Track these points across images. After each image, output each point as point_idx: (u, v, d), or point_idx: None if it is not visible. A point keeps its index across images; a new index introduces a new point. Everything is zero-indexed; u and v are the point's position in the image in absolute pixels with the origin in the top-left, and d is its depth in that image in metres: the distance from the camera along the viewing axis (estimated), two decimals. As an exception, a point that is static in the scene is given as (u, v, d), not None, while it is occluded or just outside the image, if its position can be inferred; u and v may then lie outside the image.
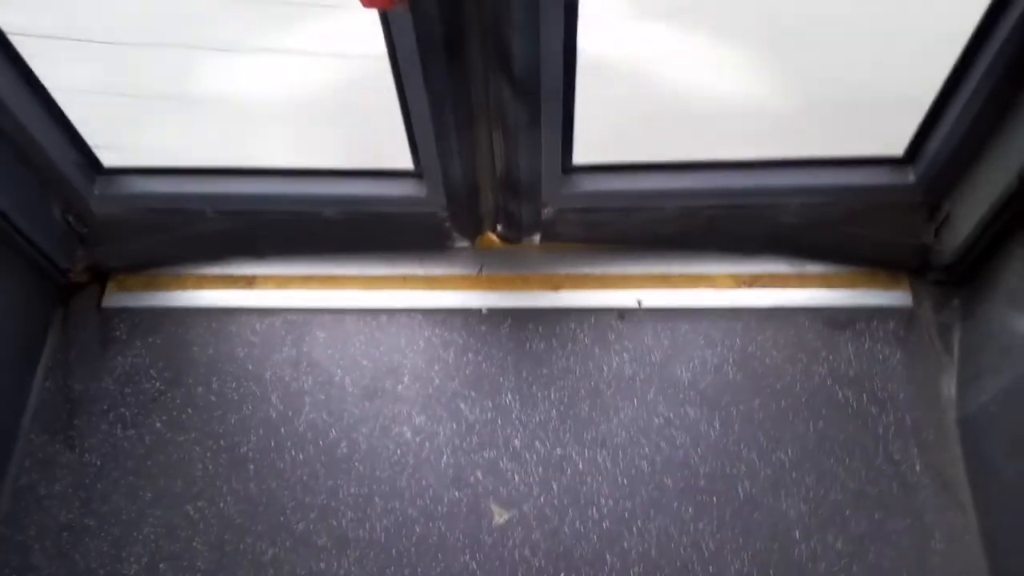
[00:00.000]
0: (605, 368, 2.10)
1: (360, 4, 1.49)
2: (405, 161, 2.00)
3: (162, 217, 2.15)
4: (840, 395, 2.03)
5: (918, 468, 1.94)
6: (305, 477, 1.99)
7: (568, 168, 2.02)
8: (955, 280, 2.07)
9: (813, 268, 2.19)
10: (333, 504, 1.96)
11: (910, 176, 2.00)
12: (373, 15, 1.58)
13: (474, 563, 1.88)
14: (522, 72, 1.70)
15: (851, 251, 2.16)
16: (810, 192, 2.05)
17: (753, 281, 2.18)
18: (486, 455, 2.01)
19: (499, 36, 1.63)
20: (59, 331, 2.20)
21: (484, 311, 2.19)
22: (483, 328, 2.17)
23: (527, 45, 1.63)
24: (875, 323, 2.12)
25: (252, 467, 2.01)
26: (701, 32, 2.61)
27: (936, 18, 2.55)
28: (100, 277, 2.27)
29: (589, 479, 1.97)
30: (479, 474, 1.98)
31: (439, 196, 2.05)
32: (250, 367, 2.13)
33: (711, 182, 2.06)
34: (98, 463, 2.03)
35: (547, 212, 2.10)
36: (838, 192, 2.04)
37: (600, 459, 1.99)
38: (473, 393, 2.09)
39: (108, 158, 2.10)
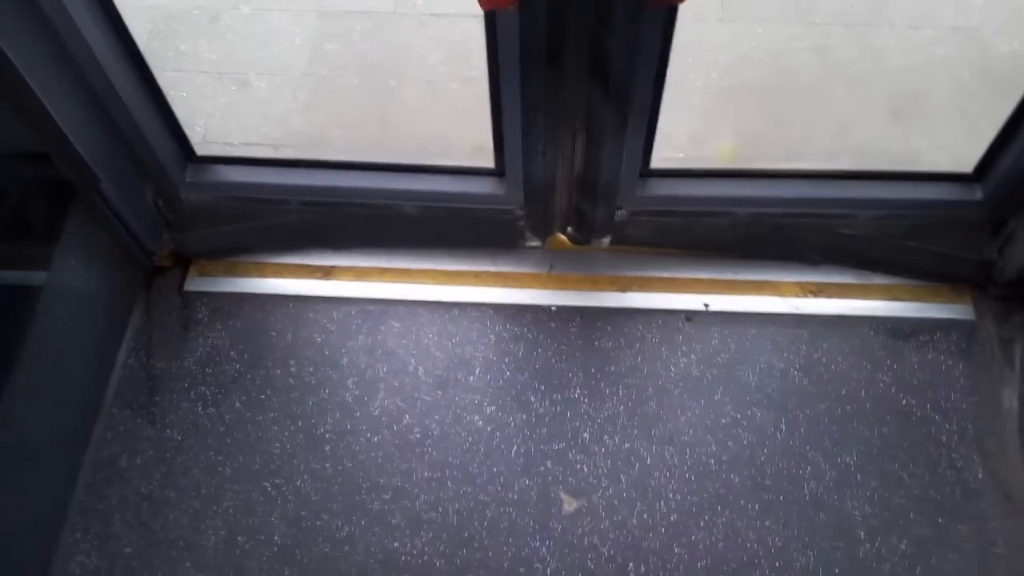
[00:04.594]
0: (672, 368, 2.15)
1: (477, 5, 1.57)
2: (480, 159, 2.09)
3: (247, 206, 2.23)
4: (904, 403, 2.08)
5: (980, 475, 1.98)
6: (380, 460, 2.05)
7: (645, 172, 2.09)
8: (1018, 296, 2.13)
9: (877, 279, 2.25)
10: (407, 486, 2.01)
11: (978, 193, 2.06)
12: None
13: (544, 548, 1.93)
14: (617, 79, 1.77)
15: (915, 264, 2.22)
16: (877, 205, 2.11)
17: (819, 290, 2.24)
18: (555, 446, 2.06)
19: (598, 42, 1.71)
20: (142, 312, 2.28)
21: (553, 308, 2.26)
22: (552, 325, 2.23)
23: (624, 52, 1.71)
24: (938, 335, 2.17)
25: (328, 448, 2.07)
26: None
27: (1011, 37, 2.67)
28: (183, 262, 2.35)
29: (657, 473, 2.02)
30: (549, 464, 2.04)
31: (518, 195, 2.12)
32: (327, 352, 2.20)
33: (780, 191, 2.13)
34: (178, 438, 2.10)
35: (620, 215, 2.17)
36: (905, 206, 2.10)
37: (668, 455, 2.04)
38: (542, 387, 2.15)
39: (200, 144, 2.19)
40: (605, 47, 1.70)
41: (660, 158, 2.13)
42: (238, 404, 2.14)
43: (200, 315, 2.27)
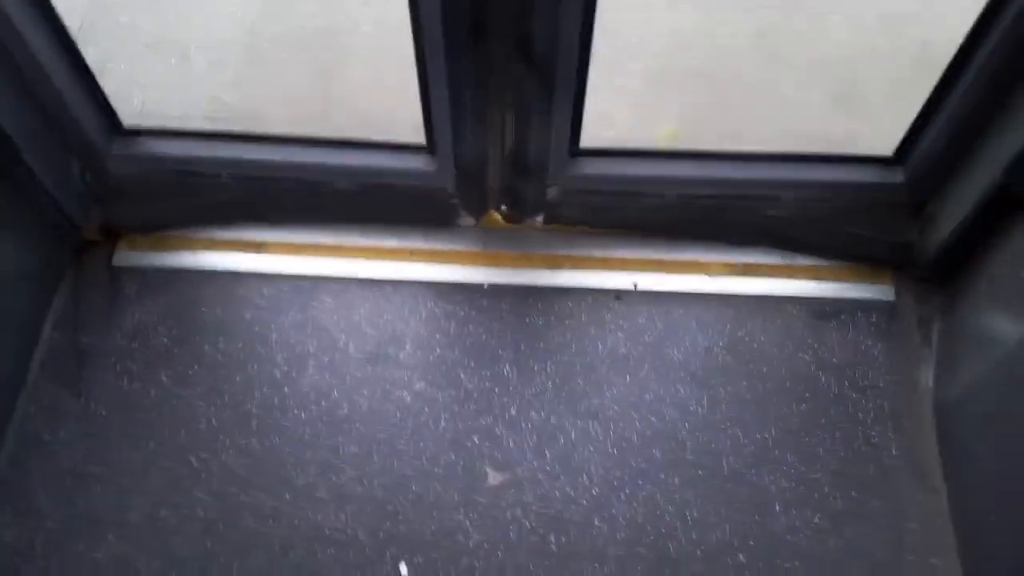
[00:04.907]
0: (600, 345, 2.18)
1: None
2: (414, 138, 2.09)
3: (177, 180, 2.21)
4: (823, 381, 2.13)
5: (895, 452, 2.04)
6: (307, 435, 2.06)
7: (575, 151, 2.11)
8: (936, 277, 2.18)
9: (802, 260, 2.29)
10: (334, 461, 2.02)
11: (899, 175, 2.11)
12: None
13: (468, 521, 1.95)
14: (540, 56, 1.78)
15: (838, 246, 2.26)
16: (802, 187, 2.15)
17: (745, 270, 2.28)
18: (483, 422, 2.08)
19: (521, 19, 1.71)
20: (70, 286, 2.25)
21: (486, 286, 2.27)
22: (484, 302, 2.25)
23: (547, 29, 1.71)
24: (859, 315, 2.22)
25: (255, 423, 2.07)
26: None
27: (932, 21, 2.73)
28: (112, 236, 2.32)
29: (581, 448, 2.05)
30: (476, 439, 2.06)
31: (449, 172, 2.13)
32: (256, 329, 2.19)
33: (708, 172, 2.15)
34: (104, 412, 2.08)
35: (552, 193, 2.19)
36: (829, 188, 2.14)
37: (592, 430, 2.07)
38: (472, 363, 2.16)
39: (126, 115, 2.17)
40: (528, 23, 1.71)
41: (601, 139, 2.16)
42: (165, 379, 2.13)
43: (128, 290, 2.25)
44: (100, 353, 2.16)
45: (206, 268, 2.29)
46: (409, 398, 2.11)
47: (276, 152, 2.17)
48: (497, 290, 2.27)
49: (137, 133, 2.18)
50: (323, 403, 2.10)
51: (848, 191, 2.14)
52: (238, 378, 2.13)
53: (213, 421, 2.07)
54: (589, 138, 2.08)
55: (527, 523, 1.95)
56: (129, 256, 2.30)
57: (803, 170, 2.14)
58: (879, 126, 2.51)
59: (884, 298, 2.24)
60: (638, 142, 2.57)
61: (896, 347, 2.17)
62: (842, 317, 2.21)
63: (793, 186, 2.14)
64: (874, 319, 2.21)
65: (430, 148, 2.10)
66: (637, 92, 2.70)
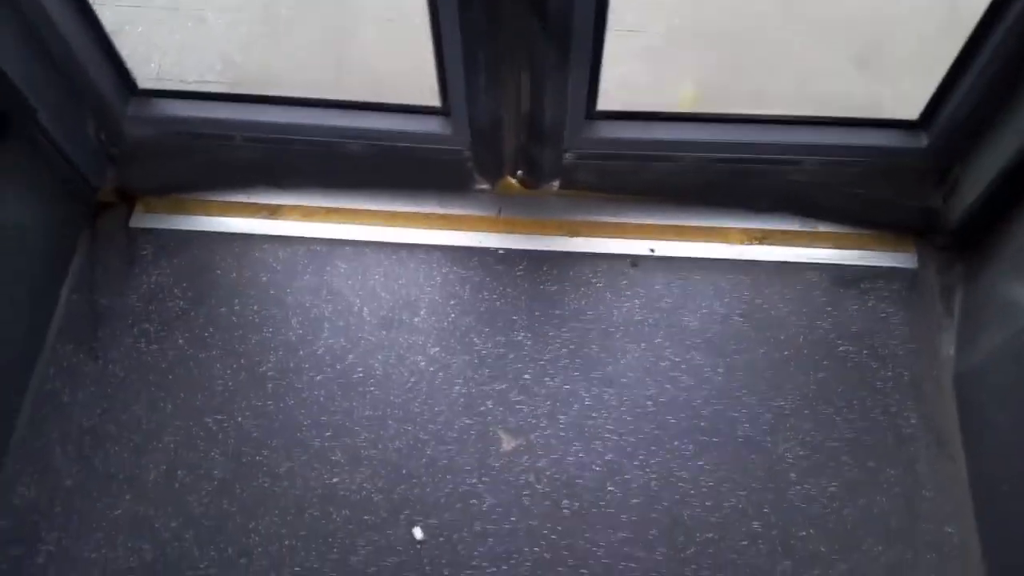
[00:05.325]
0: (615, 312, 2.16)
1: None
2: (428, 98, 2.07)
3: (192, 141, 2.21)
4: (841, 349, 2.10)
5: (913, 421, 2.02)
6: (322, 398, 2.06)
7: (591, 114, 2.07)
8: (959, 245, 2.14)
9: (823, 227, 2.25)
10: (348, 424, 2.03)
11: (923, 140, 2.06)
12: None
13: (481, 485, 1.96)
14: (555, 14, 1.74)
15: (860, 212, 2.23)
16: (823, 150, 2.11)
17: (764, 236, 2.24)
18: (497, 387, 2.07)
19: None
20: (86, 248, 2.26)
21: (501, 252, 2.25)
22: (499, 268, 2.23)
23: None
24: (880, 283, 2.18)
25: (271, 386, 2.08)
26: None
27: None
28: (128, 198, 2.32)
29: (595, 414, 2.04)
30: (489, 404, 2.05)
31: (464, 135, 2.10)
32: (272, 292, 2.19)
33: (728, 135, 2.11)
34: (121, 374, 2.10)
35: (568, 158, 2.16)
36: (851, 152, 2.10)
37: (606, 396, 2.06)
38: (487, 329, 2.15)
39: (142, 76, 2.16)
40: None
41: (619, 102, 2.12)
42: (181, 341, 2.14)
43: (145, 252, 2.25)
44: (117, 315, 2.17)
45: (222, 231, 2.29)
46: (423, 362, 2.11)
47: (291, 115, 2.16)
48: (512, 255, 2.25)
49: (152, 94, 2.17)
50: (338, 366, 2.10)
51: (871, 156, 2.09)
52: (254, 340, 2.13)
53: (229, 383, 2.08)
54: (606, 102, 2.04)
55: (540, 488, 1.95)
56: (146, 218, 2.30)
57: (826, 134, 2.09)
58: (902, 89, 2.46)
59: (906, 266, 2.20)
60: (657, 106, 2.53)
61: (917, 315, 2.14)
62: (862, 285, 2.18)
63: (815, 150, 2.09)
64: (895, 287, 2.18)
65: (445, 110, 2.07)
66: (656, 53, 2.65)
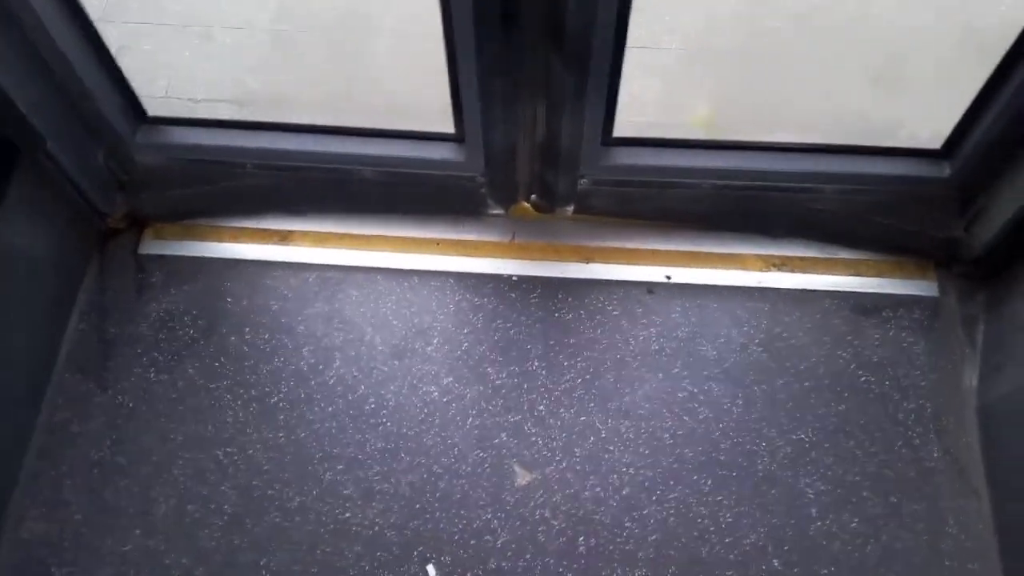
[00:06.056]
0: (632, 341, 2.13)
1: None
2: (440, 125, 2.03)
3: (202, 168, 2.18)
4: (863, 379, 2.06)
5: (936, 454, 1.98)
6: (333, 430, 2.03)
7: (608, 140, 2.04)
8: (982, 274, 2.10)
9: (842, 254, 2.22)
10: (360, 457, 2.00)
11: (946, 170, 2.02)
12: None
13: (495, 521, 1.93)
14: (573, 44, 1.71)
15: (881, 240, 2.19)
16: (843, 179, 2.08)
17: (782, 263, 2.21)
18: (511, 418, 2.04)
19: (554, 6, 1.65)
20: (95, 275, 2.23)
21: (514, 278, 2.22)
22: (513, 295, 2.20)
23: (580, 15, 1.65)
24: (900, 311, 2.14)
25: (282, 417, 2.05)
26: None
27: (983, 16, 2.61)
28: (138, 224, 2.30)
29: (611, 447, 2.00)
30: (504, 436, 2.02)
31: (478, 162, 2.07)
32: (283, 320, 2.17)
33: (746, 163, 2.08)
34: (130, 404, 2.07)
35: (583, 183, 2.13)
36: (872, 181, 2.07)
37: (623, 429, 2.02)
38: (500, 358, 2.12)
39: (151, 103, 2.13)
40: (561, 9, 1.64)
41: (630, 123, 2.09)
42: (191, 371, 2.11)
43: (155, 279, 2.23)
44: (126, 343, 2.15)
45: (232, 257, 2.26)
46: (436, 393, 2.08)
47: (302, 141, 2.13)
48: (526, 282, 2.22)
49: (162, 122, 2.15)
50: (349, 397, 2.07)
51: (893, 184, 2.06)
52: (264, 370, 2.10)
53: (239, 414, 2.05)
54: (621, 122, 2.01)
55: (556, 524, 1.92)
56: (155, 245, 2.28)
57: (846, 163, 2.06)
58: (921, 113, 2.42)
59: (927, 294, 2.16)
60: (672, 126, 2.50)
61: (939, 345, 2.10)
62: (883, 313, 2.14)
63: (836, 179, 2.06)
64: (916, 316, 2.14)
65: (459, 137, 2.04)
66: (671, 74, 2.62)
